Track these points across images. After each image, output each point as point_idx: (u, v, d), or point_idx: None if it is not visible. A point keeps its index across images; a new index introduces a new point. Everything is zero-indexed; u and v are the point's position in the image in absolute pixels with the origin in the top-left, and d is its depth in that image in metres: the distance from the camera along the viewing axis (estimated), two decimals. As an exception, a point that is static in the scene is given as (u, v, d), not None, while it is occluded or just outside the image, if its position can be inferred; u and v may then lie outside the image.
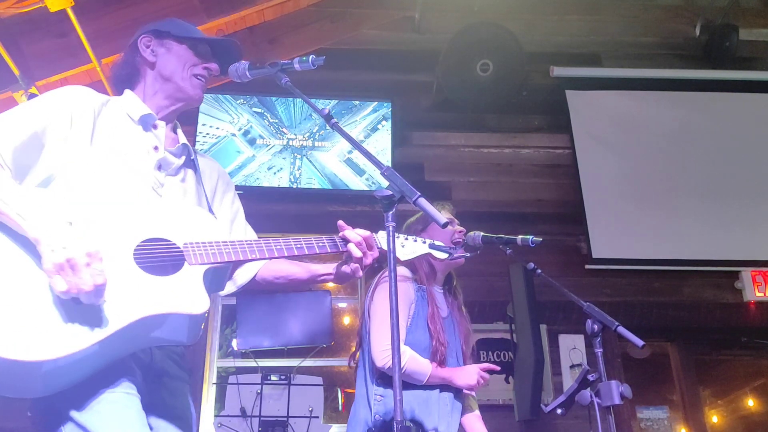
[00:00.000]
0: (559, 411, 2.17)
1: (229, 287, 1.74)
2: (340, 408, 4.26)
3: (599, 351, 2.09)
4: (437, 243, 1.83)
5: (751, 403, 5.72)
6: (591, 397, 2.03)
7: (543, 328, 3.84)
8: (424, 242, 1.82)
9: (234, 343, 3.81)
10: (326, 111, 1.59)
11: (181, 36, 1.70)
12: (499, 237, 2.52)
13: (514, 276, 3.67)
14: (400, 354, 2.28)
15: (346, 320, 4.74)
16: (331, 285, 3.99)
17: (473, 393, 2.55)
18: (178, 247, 1.48)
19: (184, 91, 1.69)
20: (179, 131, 1.74)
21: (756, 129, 4.69)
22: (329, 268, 1.74)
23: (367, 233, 1.67)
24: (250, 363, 3.72)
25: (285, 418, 3.37)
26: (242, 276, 1.75)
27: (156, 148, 1.63)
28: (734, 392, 5.78)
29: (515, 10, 4.79)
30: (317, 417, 3.45)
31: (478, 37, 4.41)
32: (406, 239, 1.80)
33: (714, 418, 5.83)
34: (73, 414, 1.33)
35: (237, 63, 1.70)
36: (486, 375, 2.36)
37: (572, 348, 3.90)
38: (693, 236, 4.30)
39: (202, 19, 3.98)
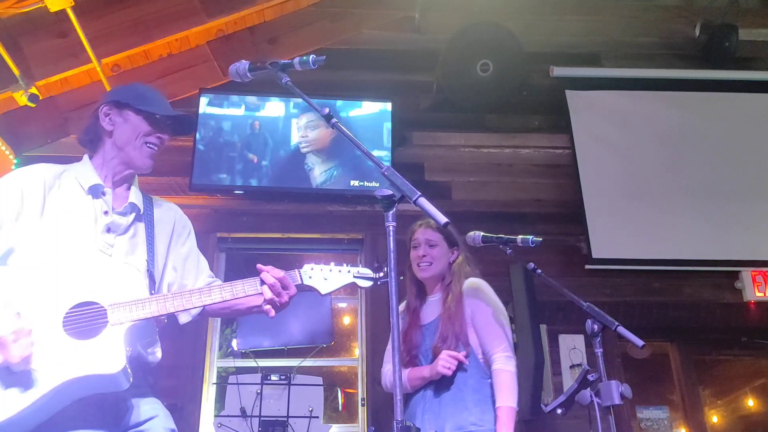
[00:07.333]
0: (559, 411, 2.18)
1: (185, 317, 1.90)
2: (340, 408, 4.26)
3: (599, 351, 2.09)
4: (362, 270, 1.81)
5: (751, 403, 5.71)
6: (591, 397, 2.04)
7: (543, 328, 3.84)
8: (349, 272, 1.80)
9: (234, 343, 3.81)
10: (326, 111, 1.59)
11: (139, 108, 1.85)
12: (499, 237, 2.52)
13: (514, 276, 3.67)
14: (393, 363, 2.42)
15: (346, 320, 4.73)
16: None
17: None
18: (104, 309, 1.61)
19: (134, 161, 1.86)
20: (132, 188, 1.89)
21: (756, 129, 4.69)
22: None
23: (281, 274, 1.73)
24: (250, 363, 3.72)
25: (285, 418, 3.37)
26: (194, 310, 1.88)
27: (106, 212, 1.80)
28: (734, 392, 5.77)
29: (515, 10, 4.78)
30: (317, 417, 3.44)
31: (478, 37, 4.41)
32: (330, 271, 1.79)
33: (714, 418, 5.82)
34: None
35: (238, 63, 1.73)
36: (451, 360, 2.34)
37: (572, 348, 3.90)
38: (693, 236, 4.29)
39: (202, 19, 3.98)
